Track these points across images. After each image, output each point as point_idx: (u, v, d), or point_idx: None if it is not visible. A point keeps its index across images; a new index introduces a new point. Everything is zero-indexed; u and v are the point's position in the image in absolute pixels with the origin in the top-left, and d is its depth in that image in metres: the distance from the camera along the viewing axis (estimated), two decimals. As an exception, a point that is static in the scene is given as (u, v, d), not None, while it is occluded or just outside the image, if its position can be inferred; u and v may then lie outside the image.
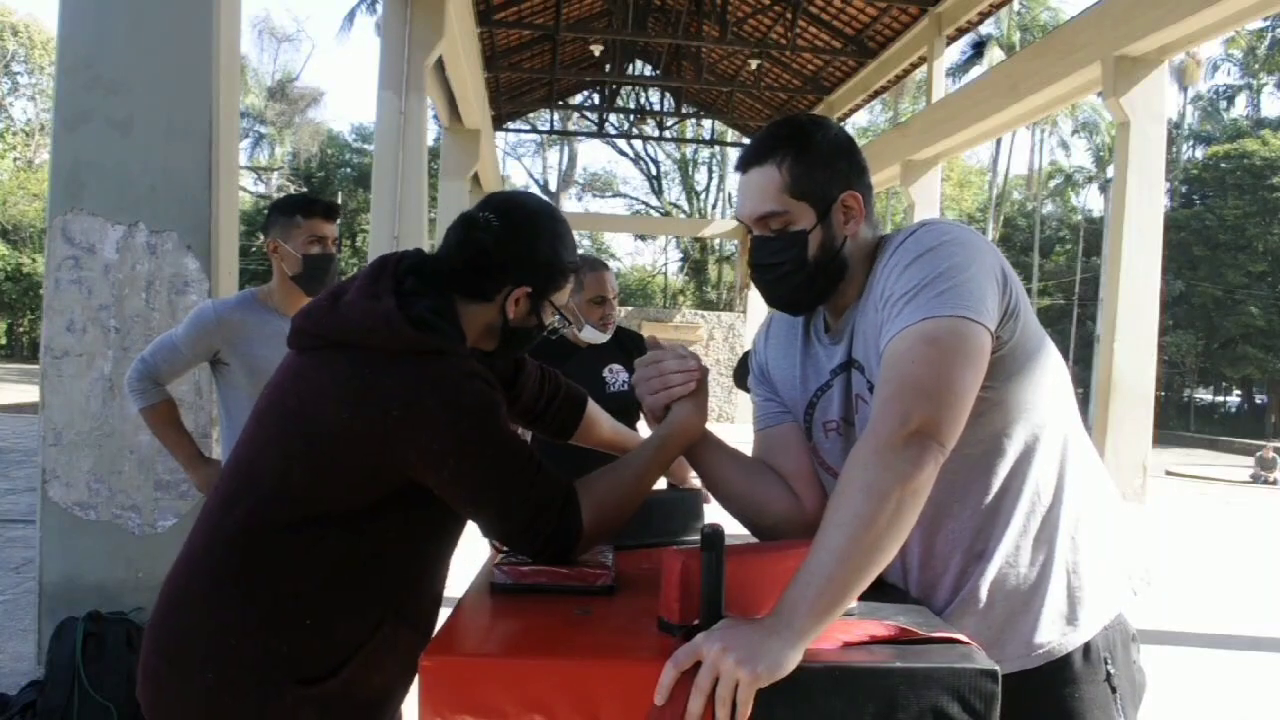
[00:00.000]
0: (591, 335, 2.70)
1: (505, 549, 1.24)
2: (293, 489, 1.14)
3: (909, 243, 1.13)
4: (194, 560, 1.18)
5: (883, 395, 1.02)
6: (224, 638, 1.12)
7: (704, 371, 1.28)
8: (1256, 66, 32.52)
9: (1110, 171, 24.32)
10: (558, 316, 1.36)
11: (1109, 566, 1.22)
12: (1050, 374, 1.18)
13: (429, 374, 1.13)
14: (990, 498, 1.15)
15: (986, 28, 22.92)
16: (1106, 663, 1.18)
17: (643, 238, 39.28)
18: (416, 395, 1.11)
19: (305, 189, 31.22)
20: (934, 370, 1.01)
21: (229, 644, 1.11)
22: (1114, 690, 1.17)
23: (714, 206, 34.68)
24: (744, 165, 1.22)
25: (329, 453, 1.12)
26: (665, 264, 40.27)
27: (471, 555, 1.41)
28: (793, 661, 0.87)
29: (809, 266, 1.20)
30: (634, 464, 1.26)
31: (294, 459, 1.14)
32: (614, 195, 39.21)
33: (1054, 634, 1.17)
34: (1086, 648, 1.17)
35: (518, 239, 1.26)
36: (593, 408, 1.56)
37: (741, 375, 1.46)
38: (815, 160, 1.19)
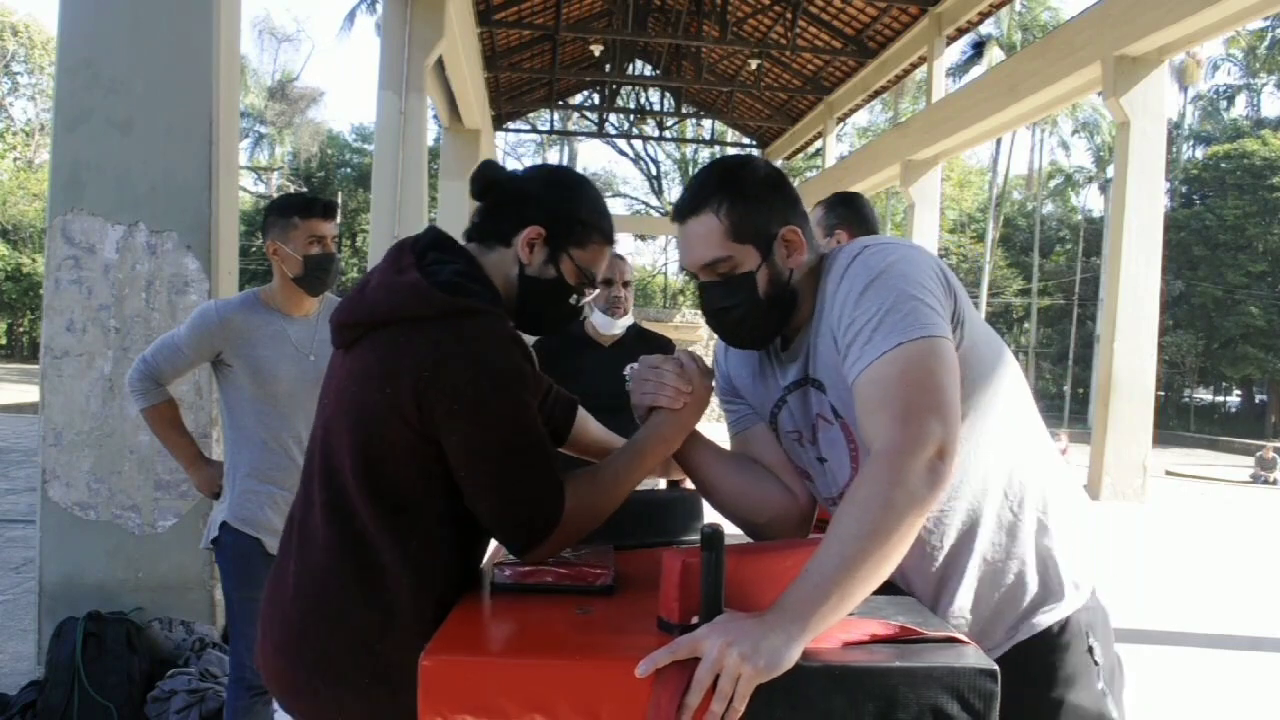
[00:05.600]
0: (599, 320, 2.64)
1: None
2: (375, 481, 1.14)
3: (856, 267, 1.15)
4: (313, 573, 1.18)
5: (889, 415, 1.03)
6: (364, 642, 1.12)
7: (700, 396, 1.29)
8: (1256, 66, 32.52)
9: (1110, 171, 24.32)
10: (585, 285, 1.30)
11: (1077, 547, 1.25)
12: (1005, 374, 1.21)
13: (459, 333, 1.11)
14: (964, 499, 1.18)
15: (986, 28, 22.94)
16: (1088, 635, 1.22)
17: (643, 238, 39.27)
18: (445, 353, 1.10)
19: (305, 189, 31.22)
20: (932, 393, 1.04)
21: (372, 648, 1.12)
22: (1096, 663, 1.21)
23: (714, 206, 34.58)
24: (681, 216, 1.25)
25: (385, 434, 1.12)
26: (665, 264, 40.31)
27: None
28: (793, 657, 0.88)
29: (762, 305, 1.22)
30: (613, 468, 1.26)
31: (363, 451, 1.14)
32: (614, 195, 39.21)
33: (1036, 615, 1.21)
34: (1067, 621, 1.21)
35: (533, 181, 1.29)
36: (582, 411, 1.55)
37: None
38: (750, 201, 1.21)
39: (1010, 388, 1.22)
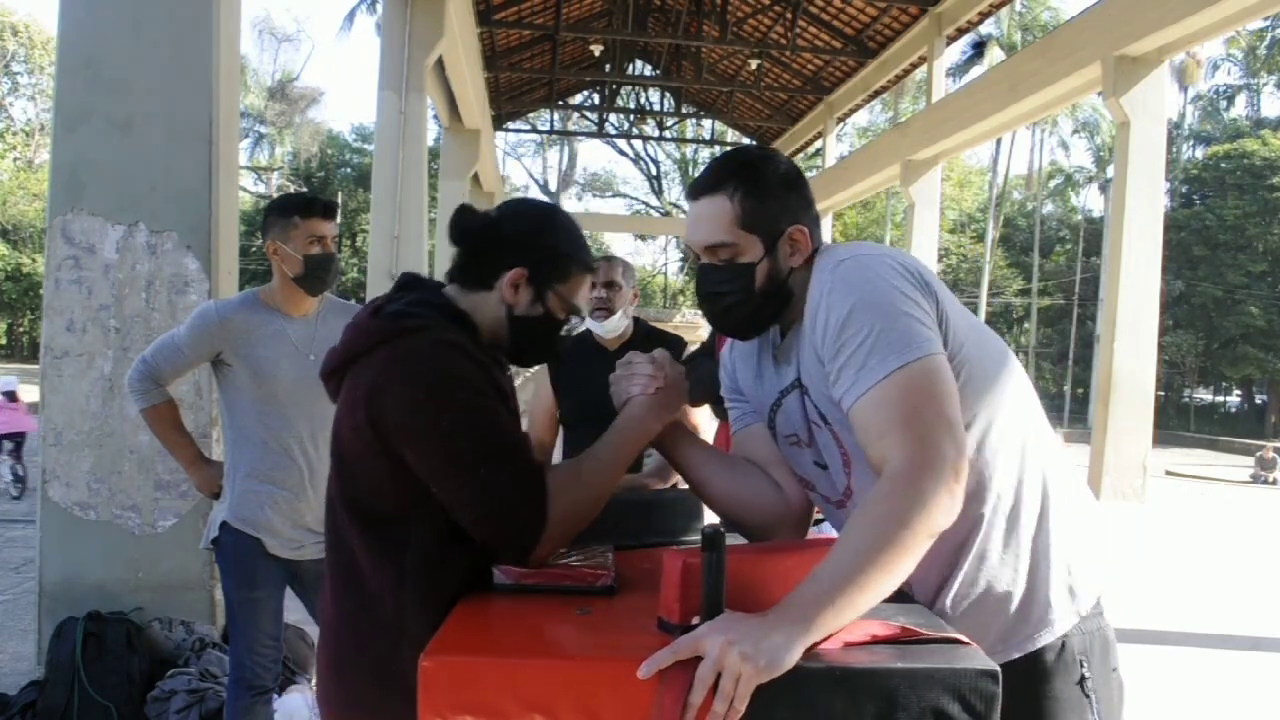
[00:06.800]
0: (590, 324, 2.60)
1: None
2: (360, 508, 1.18)
3: (837, 284, 1.13)
4: (330, 600, 1.22)
5: (900, 436, 1.02)
6: (385, 667, 1.14)
7: (675, 382, 1.30)
8: (1257, 66, 32.50)
9: (1110, 171, 24.32)
10: (572, 315, 1.32)
11: (1080, 563, 1.22)
12: (1002, 376, 1.19)
13: (397, 353, 1.16)
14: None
15: (986, 28, 22.91)
16: (1082, 665, 1.18)
17: (643, 238, 39.29)
18: (389, 374, 1.14)
19: (305, 189, 31.21)
20: (940, 413, 1.03)
21: (393, 670, 1.13)
22: (1088, 695, 1.18)
23: (714, 206, 34.61)
24: (695, 193, 1.24)
25: (360, 463, 1.17)
26: (665, 264, 40.34)
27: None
28: (794, 657, 0.88)
29: (755, 297, 1.22)
30: (594, 458, 1.24)
31: (347, 482, 1.19)
32: (614, 195, 39.25)
33: (1026, 630, 1.18)
34: (1062, 646, 1.18)
35: (509, 222, 1.29)
36: None
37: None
38: (765, 194, 1.21)
39: (1010, 392, 1.19)
